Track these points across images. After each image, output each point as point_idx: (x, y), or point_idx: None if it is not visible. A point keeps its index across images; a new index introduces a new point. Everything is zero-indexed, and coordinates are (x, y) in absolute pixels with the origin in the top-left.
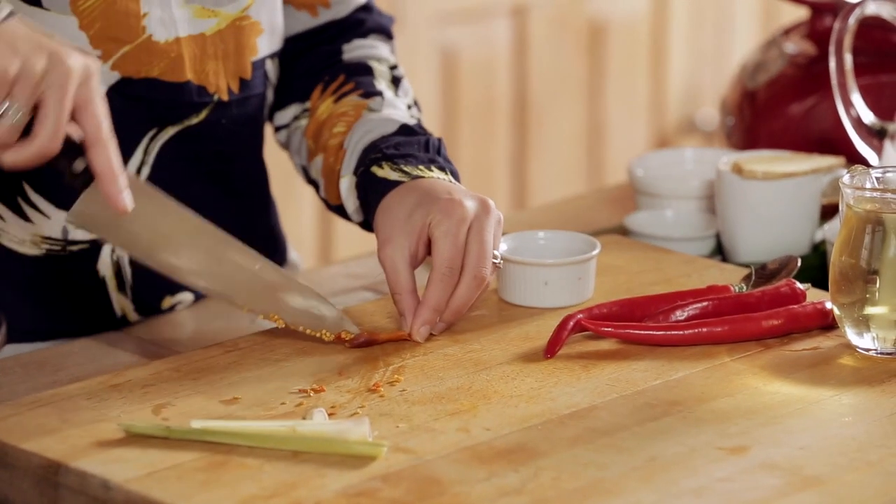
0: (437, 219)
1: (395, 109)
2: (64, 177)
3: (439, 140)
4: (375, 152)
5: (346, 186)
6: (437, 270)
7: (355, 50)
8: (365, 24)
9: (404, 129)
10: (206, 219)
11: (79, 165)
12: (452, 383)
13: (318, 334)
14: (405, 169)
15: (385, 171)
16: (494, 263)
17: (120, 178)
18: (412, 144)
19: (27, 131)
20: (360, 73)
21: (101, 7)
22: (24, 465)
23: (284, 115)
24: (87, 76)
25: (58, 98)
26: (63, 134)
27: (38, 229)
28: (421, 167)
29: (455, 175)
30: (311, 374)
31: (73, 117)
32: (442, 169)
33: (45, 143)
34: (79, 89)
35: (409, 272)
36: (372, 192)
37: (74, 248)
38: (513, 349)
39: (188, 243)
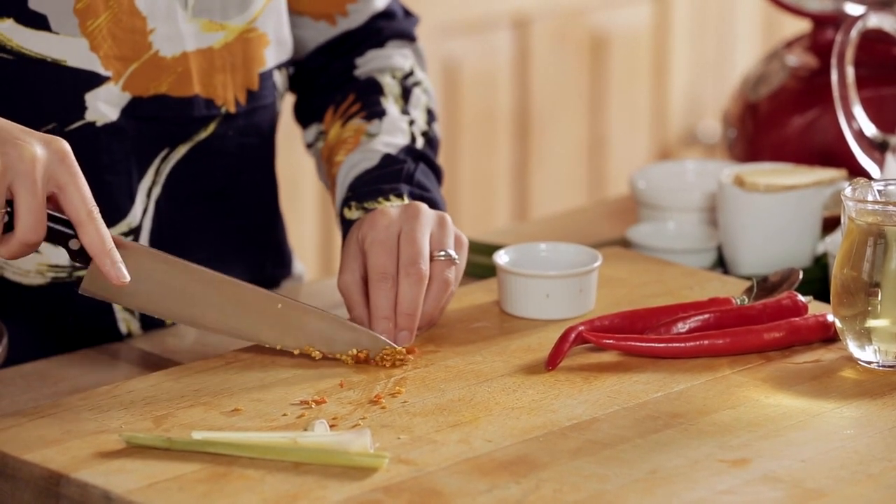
0: (364, 232)
1: (392, 133)
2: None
3: (416, 165)
4: (351, 191)
5: (339, 225)
6: (371, 279)
7: (369, 63)
8: (383, 32)
9: (384, 161)
10: (213, 235)
11: (74, 244)
12: (454, 395)
13: (349, 358)
14: (366, 206)
15: (352, 213)
16: (450, 260)
17: (112, 253)
18: (385, 177)
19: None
20: (369, 91)
21: (108, 26)
22: (25, 476)
23: (309, 135)
24: (60, 159)
25: (27, 189)
26: (43, 222)
27: (45, 259)
28: (380, 199)
29: (420, 198)
30: (312, 386)
31: (57, 201)
32: (400, 195)
33: (24, 234)
34: (53, 174)
35: (359, 291)
36: (344, 233)
37: (81, 273)
38: (514, 361)
39: (204, 296)
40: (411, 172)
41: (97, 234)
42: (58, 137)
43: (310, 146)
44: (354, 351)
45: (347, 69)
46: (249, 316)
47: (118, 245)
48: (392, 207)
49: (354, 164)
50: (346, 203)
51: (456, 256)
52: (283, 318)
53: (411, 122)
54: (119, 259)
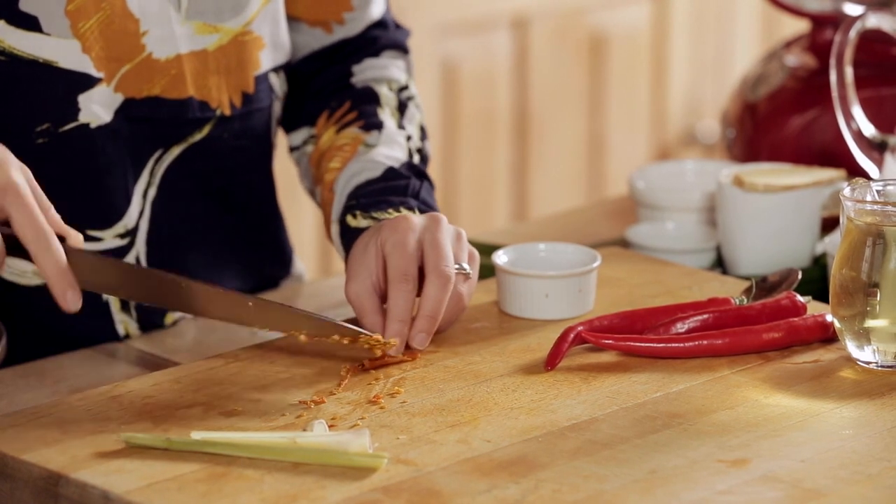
0: (385, 236)
1: (390, 146)
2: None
3: (421, 183)
4: (353, 200)
5: (335, 233)
6: (392, 280)
7: (366, 71)
8: (378, 41)
9: (388, 174)
10: (210, 236)
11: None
12: (453, 395)
13: (334, 339)
14: (375, 215)
15: (357, 221)
16: (463, 273)
17: (64, 280)
18: (391, 190)
19: None
20: (366, 100)
21: (99, 28)
22: (24, 476)
23: (296, 138)
24: (1, 191)
25: None
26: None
27: None
28: (390, 210)
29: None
30: (311, 386)
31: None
32: (410, 209)
33: None
34: (0, 206)
35: (373, 298)
36: (346, 241)
37: None
38: (513, 361)
39: (180, 305)
40: (417, 189)
41: (48, 262)
42: (4, 162)
43: (295, 149)
44: (337, 337)
45: (344, 76)
46: (228, 310)
47: (78, 259)
48: (415, 217)
49: (355, 173)
50: (349, 211)
51: (470, 271)
52: (261, 311)
53: (408, 138)
54: (72, 284)
